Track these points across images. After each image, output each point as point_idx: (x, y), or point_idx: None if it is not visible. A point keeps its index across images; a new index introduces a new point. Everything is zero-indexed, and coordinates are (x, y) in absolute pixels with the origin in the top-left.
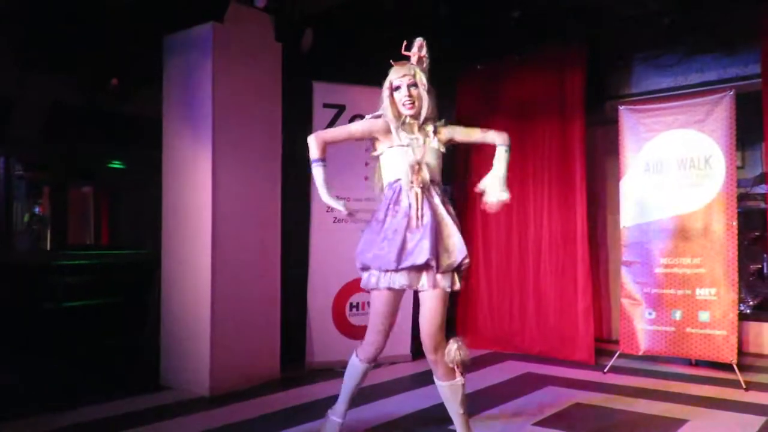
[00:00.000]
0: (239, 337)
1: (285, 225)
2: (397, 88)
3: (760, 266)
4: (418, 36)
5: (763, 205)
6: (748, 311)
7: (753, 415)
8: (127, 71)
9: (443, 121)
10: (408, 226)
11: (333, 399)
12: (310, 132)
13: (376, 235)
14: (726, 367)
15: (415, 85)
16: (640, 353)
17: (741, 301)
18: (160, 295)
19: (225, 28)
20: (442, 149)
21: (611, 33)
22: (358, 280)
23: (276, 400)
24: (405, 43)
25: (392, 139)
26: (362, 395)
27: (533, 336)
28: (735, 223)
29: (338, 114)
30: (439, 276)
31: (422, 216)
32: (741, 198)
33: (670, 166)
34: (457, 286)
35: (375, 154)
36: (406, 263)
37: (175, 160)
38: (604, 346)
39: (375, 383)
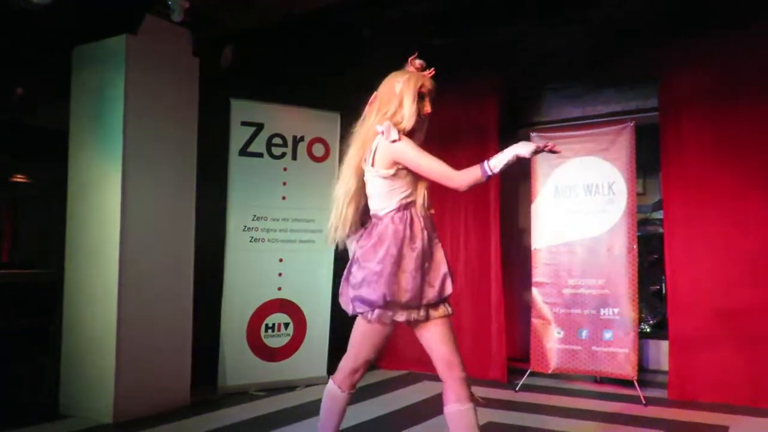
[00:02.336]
0: (147, 360)
1: (199, 244)
2: (423, 96)
3: (659, 287)
4: (339, 56)
5: (661, 229)
6: (648, 329)
7: (651, 429)
8: (34, 81)
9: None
10: (428, 257)
11: (245, 424)
12: (227, 148)
13: (393, 268)
14: (628, 383)
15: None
16: (550, 371)
17: (642, 320)
18: (62, 318)
19: (139, 41)
20: None
21: (522, 64)
22: (274, 301)
23: (184, 426)
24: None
25: None
26: (278, 419)
27: None
28: (636, 247)
29: (256, 132)
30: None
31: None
32: (642, 223)
33: (578, 191)
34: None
35: (390, 172)
36: (431, 297)
37: (82, 175)
38: (516, 364)
39: (291, 406)
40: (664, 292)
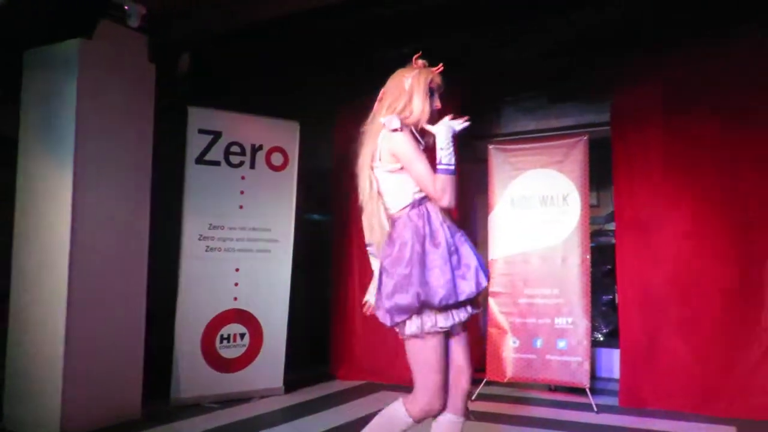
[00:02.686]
0: (96, 372)
1: (153, 252)
2: (432, 92)
3: (611, 297)
4: (296, 67)
5: (614, 240)
6: (602, 338)
7: None
8: None
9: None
10: (454, 250)
11: None
12: (183, 156)
13: (420, 267)
14: (581, 391)
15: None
16: (506, 380)
17: (595, 329)
18: (7, 329)
19: (94, 46)
20: None
21: (480, 77)
22: (230, 311)
23: None
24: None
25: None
26: (231, 431)
27: (406, 366)
28: (589, 257)
29: (214, 140)
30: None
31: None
32: (595, 234)
33: (534, 202)
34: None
35: (396, 166)
36: (468, 292)
37: (31, 184)
38: (474, 374)
39: (245, 418)
40: (617, 301)
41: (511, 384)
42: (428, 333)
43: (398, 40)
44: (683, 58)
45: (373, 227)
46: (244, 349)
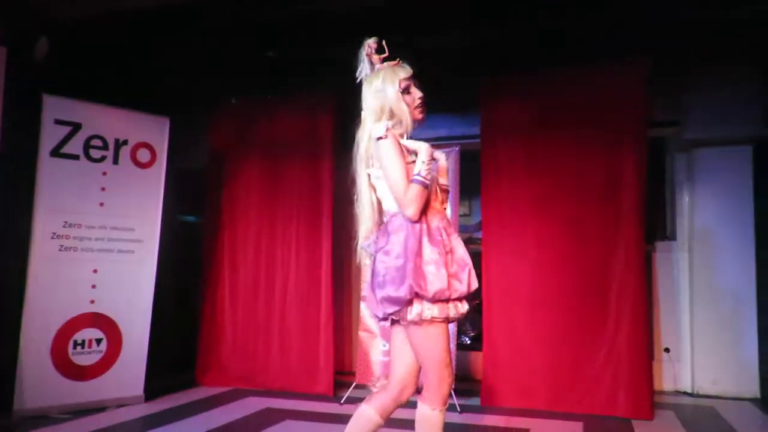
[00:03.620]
0: None
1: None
2: (406, 89)
3: (478, 301)
4: (169, 58)
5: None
6: (469, 341)
7: None
8: None
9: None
10: (450, 250)
11: None
12: (36, 148)
13: (415, 259)
14: None
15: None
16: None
17: (463, 332)
18: None
19: None
20: None
21: (357, 85)
22: (86, 315)
23: None
24: (384, 42)
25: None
26: None
27: (276, 372)
28: None
29: (72, 132)
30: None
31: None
32: (466, 242)
33: None
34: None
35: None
36: (460, 292)
37: None
38: (344, 378)
39: (96, 429)
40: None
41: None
42: (426, 321)
43: (272, 42)
44: (542, 78)
45: (366, 218)
46: (100, 356)
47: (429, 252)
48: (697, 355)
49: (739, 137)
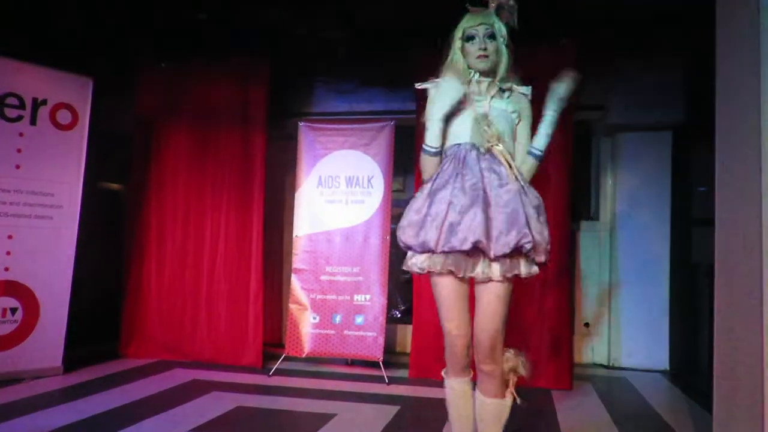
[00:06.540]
0: None
1: None
2: (471, 38)
3: (409, 277)
4: (92, 20)
5: None
6: (399, 315)
7: (390, 405)
8: None
9: (529, 89)
10: (477, 199)
11: None
12: None
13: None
14: (375, 364)
15: (493, 36)
16: (304, 355)
17: (395, 306)
18: None
19: None
20: (516, 119)
21: (293, 54)
22: None
23: None
24: None
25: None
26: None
27: (204, 343)
28: (389, 238)
29: None
30: (495, 265)
31: (485, 184)
32: (399, 216)
33: (340, 182)
34: (523, 271)
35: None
36: (447, 245)
37: None
38: (273, 350)
39: (12, 401)
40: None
41: (309, 359)
42: (422, 270)
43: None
44: None
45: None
46: (15, 326)
47: (428, 199)
48: (613, 330)
49: (661, 123)
